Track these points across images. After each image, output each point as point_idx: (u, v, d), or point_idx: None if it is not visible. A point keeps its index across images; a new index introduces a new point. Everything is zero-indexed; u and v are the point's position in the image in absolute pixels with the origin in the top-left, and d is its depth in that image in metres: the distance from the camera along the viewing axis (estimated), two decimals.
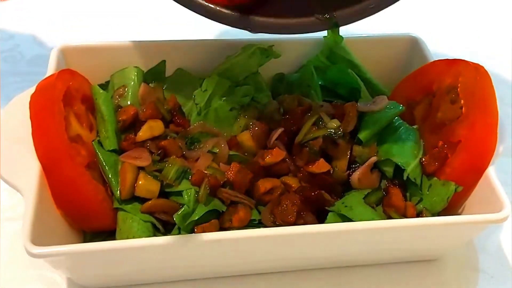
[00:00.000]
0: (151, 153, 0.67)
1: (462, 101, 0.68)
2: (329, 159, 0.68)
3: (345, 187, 0.69)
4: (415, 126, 0.72)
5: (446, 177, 0.66)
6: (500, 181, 0.64)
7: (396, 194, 0.67)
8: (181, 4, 0.65)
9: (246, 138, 0.70)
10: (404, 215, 0.66)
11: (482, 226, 0.66)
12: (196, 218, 0.63)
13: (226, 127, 0.73)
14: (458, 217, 0.65)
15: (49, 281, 0.68)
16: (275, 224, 0.63)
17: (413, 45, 0.81)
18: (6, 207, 0.75)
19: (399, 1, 0.63)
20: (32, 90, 0.66)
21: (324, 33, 0.78)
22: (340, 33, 0.77)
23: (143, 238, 0.61)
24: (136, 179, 0.65)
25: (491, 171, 0.65)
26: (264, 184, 0.66)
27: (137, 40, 0.77)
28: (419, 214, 0.66)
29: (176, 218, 0.63)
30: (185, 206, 0.64)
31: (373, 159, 0.68)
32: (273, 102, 0.74)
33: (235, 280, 0.69)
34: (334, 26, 0.66)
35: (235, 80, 0.75)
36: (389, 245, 0.67)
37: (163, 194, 0.65)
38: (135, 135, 0.69)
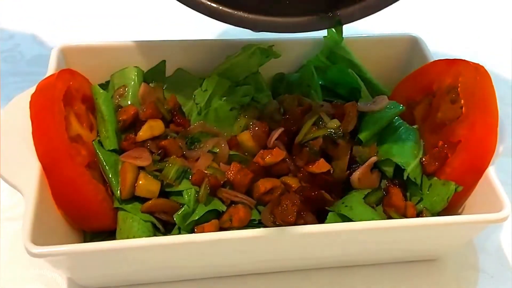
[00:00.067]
0: (151, 153, 0.67)
1: (462, 101, 0.68)
2: (329, 159, 0.68)
3: (345, 187, 0.69)
4: (415, 126, 0.72)
5: (446, 177, 0.66)
6: (500, 181, 0.64)
7: (396, 194, 0.67)
8: (184, 4, 0.65)
9: (246, 138, 0.70)
10: (404, 215, 0.66)
11: (482, 226, 0.66)
12: (196, 218, 0.63)
13: (226, 127, 0.73)
14: (458, 217, 0.65)
15: (49, 281, 0.68)
16: (275, 224, 0.63)
17: (413, 45, 0.81)
18: (6, 207, 0.75)
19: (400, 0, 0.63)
20: (32, 90, 0.66)
21: (324, 33, 0.78)
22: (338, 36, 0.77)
23: (143, 238, 0.61)
24: (136, 179, 0.65)
25: (491, 171, 0.65)
26: (264, 184, 0.66)
27: (137, 40, 0.77)
28: (419, 214, 0.66)
29: (176, 218, 0.63)
30: (185, 206, 0.64)
31: (373, 159, 0.68)
32: (273, 102, 0.74)
33: (235, 280, 0.69)
34: (337, 24, 0.66)
35: (235, 80, 0.75)
36: (389, 245, 0.67)
37: (163, 194, 0.66)
38: (135, 135, 0.69)
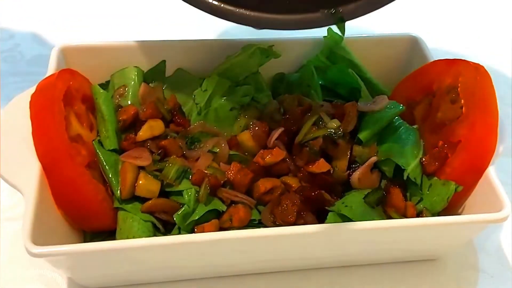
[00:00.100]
0: (152, 152, 0.67)
1: (462, 101, 0.68)
2: (329, 159, 0.68)
3: (345, 187, 0.69)
4: (415, 126, 0.72)
5: (446, 177, 0.66)
6: (500, 181, 0.64)
7: (396, 194, 0.67)
8: (186, 2, 0.65)
9: (246, 138, 0.70)
10: (404, 215, 0.66)
11: (482, 226, 0.66)
12: (196, 218, 0.63)
13: (226, 127, 0.73)
14: (458, 217, 0.65)
15: (50, 281, 0.68)
16: (275, 224, 0.63)
17: (413, 45, 0.81)
18: (6, 207, 0.75)
19: None
20: (32, 90, 0.66)
21: (325, 33, 0.78)
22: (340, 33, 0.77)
23: (143, 238, 0.61)
24: (136, 179, 0.65)
25: (491, 171, 0.65)
26: (264, 184, 0.66)
27: (137, 40, 0.77)
28: (419, 214, 0.66)
29: (176, 218, 0.63)
30: (185, 205, 0.64)
31: (373, 159, 0.68)
32: (273, 102, 0.74)
33: (235, 280, 0.69)
34: (339, 21, 0.65)
35: (235, 80, 0.75)
36: (389, 245, 0.67)
37: (164, 193, 0.66)
38: (136, 134, 0.69)
